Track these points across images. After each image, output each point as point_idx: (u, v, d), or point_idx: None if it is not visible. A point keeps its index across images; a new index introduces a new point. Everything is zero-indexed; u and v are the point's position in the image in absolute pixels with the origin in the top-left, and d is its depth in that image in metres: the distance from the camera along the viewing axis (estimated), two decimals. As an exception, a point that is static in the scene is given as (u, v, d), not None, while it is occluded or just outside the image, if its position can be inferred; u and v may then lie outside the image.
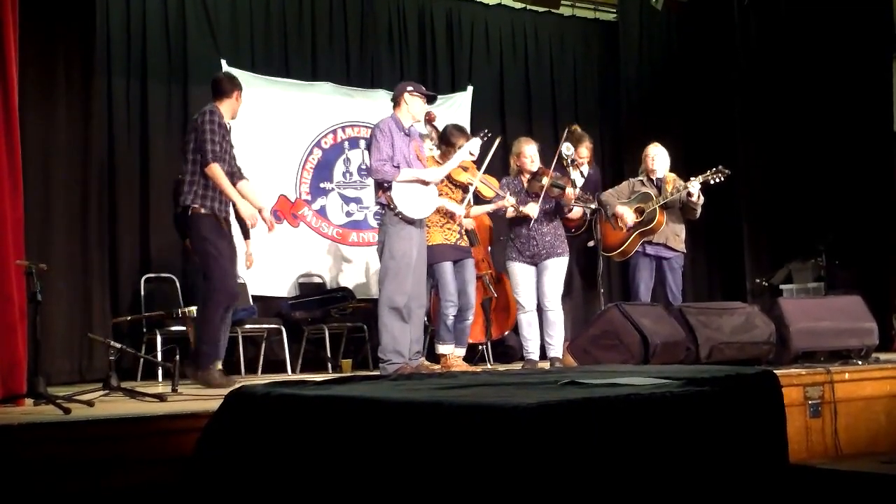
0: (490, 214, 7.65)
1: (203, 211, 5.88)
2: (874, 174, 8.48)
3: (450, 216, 6.91)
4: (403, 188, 6.30)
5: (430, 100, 6.65)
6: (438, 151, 7.06)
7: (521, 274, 7.08)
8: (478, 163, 6.99)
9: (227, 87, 6.16)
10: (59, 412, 4.08)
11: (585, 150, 7.89)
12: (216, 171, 5.84)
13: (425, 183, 6.40)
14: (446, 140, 7.00)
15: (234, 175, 6.10)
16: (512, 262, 7.13)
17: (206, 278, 5.93)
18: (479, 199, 7.23)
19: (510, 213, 7.07)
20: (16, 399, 4.68)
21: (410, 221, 6.32)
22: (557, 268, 7.06)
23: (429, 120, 7.13)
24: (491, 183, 7.15)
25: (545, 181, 6.97)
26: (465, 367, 6.93)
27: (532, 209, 6.99)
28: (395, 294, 6.27)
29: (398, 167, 6.29)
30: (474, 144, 6.73)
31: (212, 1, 8.64)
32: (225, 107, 6.12)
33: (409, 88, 6.50)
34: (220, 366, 6.11)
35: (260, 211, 6.13)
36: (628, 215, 7.34)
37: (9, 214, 4.83)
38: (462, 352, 7.14)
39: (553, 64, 10.46)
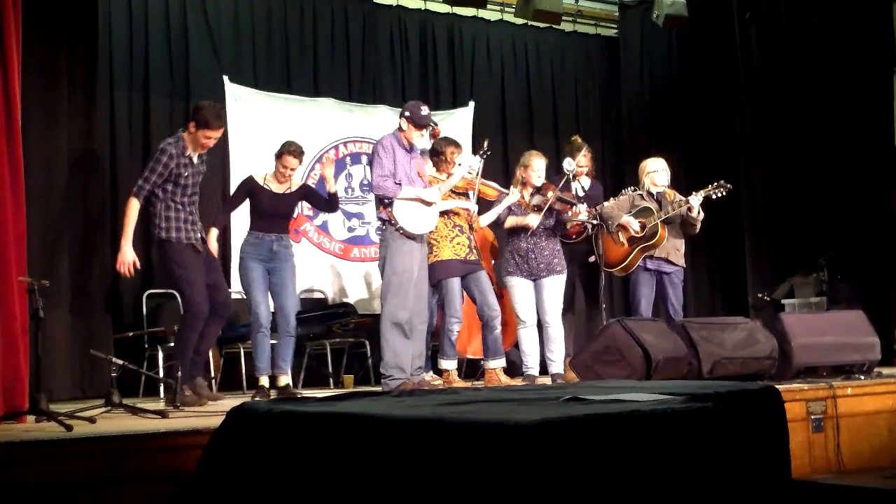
0: (494, 230, 7.65)
1: (164, 236, 5.99)
2: (876, 189, 8.47)
3: (459, 228, 6.92)
4: (404, 204, 6.32)
5: (424, 127, 6.57)
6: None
7: (519, 288, 7.08)
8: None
9: (190, 117, 6.15)
10: (61, 429, 4.08)
11: (584, 160, 7.87)
12: (131, 206, 5.98)
13: (426, 201, 6.42)
14: (435, 152, 7.01)
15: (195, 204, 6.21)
16: (510, 276, 7.12)
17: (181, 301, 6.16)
18: (482, 206, 7.22)
19: (508, 223, 7.05)
20: (18, 416, 4.68)
21: (411, 237, 6.34)
22: (556, 285, 7.07)
23: (434, 136, 7.17)
24: (490, 184, 7.17)
25: (550, 195, 7.00)
26: (508, 381, 6.93)
27: (533, 220, 7.00)
28: (398, 309, 6.29)
29: (399, 184, 6.31)
30: (474, 161, 6.76)
31: (214, 17, 8.67)
32: (187, 138, 6.09)
33: (407, 115, 6.51)
34: (202, 381, 6.23)
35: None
36: (633, 223, 7.32)
37: (11, 230, 4.84)
38: (501, 363, 7.07)
39: (554, 79, 10.49)
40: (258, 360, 6.67)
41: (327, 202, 7.09)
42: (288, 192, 6.86)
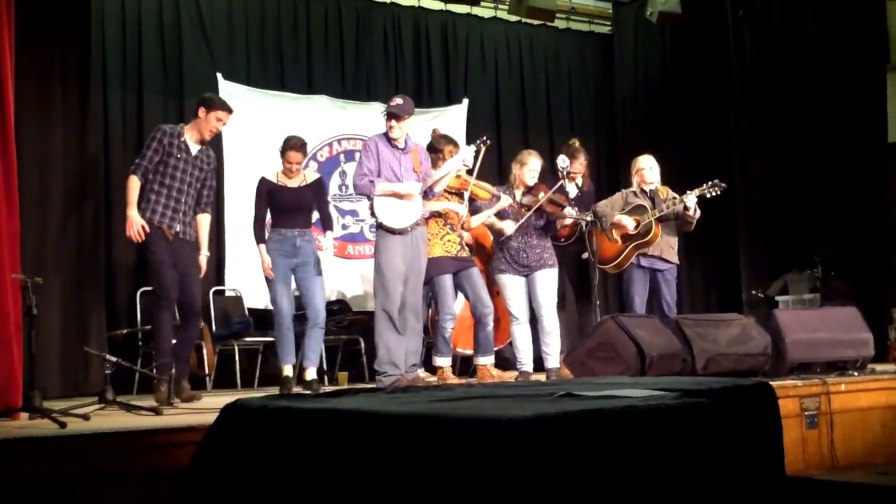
0: (489, 227, 7.64)
1: (146, 216, 6.05)
2: (869, 185, 8.50)
3: (450, 226, 6.94)
4: (383, 200, 6.38)
5: (393, 116, 6.46)
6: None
7: (511, 285, 7.07)
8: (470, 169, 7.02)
9: (197, 105, 6.29)
10: (55, 426, 4.08)
11: (579, 166, 7.91)
12: (130, 181, 6.07)
13: (401, 195, 6.42)
14: (433, 149, 7.04)
15: (198, 204, 6.34)
16: (502, 273, 7.10)
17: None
18: (475, 208, 7.23)
19: (490, 221, 7.05)
20: (11, 413, 4.68)
21: (393, 231, 6.36)
22: (548, 278, 7.06)
23: (434, 136, 7.20)
24: (484, 185, 7.16)
25: (540, 196, 6.98)
26: (500, 375, 7.01)
27: (509, 227, 6.99)
28: (387, 304, 6.34)
29: (373, 182, 6.35)
30: (468, 153, 6.71)
31: (208, 14, 8.67)
32: (192, 127, 6.23)
33: (382, 111, 6.58)
34: (185, 383, 6.22)
35: (199, 250, 6.38)
36: (628, 222, 7.32)
37: (4, 228, 4.83)
38: (490, 359, 7.13)
39: (548, 77, 10.50)
40: (282, 352, 6.74)
41: (326, 213, 7.17)
42: (303, 184, 6.89)
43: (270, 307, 7.06)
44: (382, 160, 6.41)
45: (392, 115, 6.45)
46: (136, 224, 5.97)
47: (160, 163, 6.06)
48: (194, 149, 6.20)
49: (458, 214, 6.97)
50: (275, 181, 6.86)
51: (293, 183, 6.86)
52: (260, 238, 6.83)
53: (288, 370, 6.71)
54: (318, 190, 7.10)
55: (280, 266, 6.74)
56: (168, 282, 6.06)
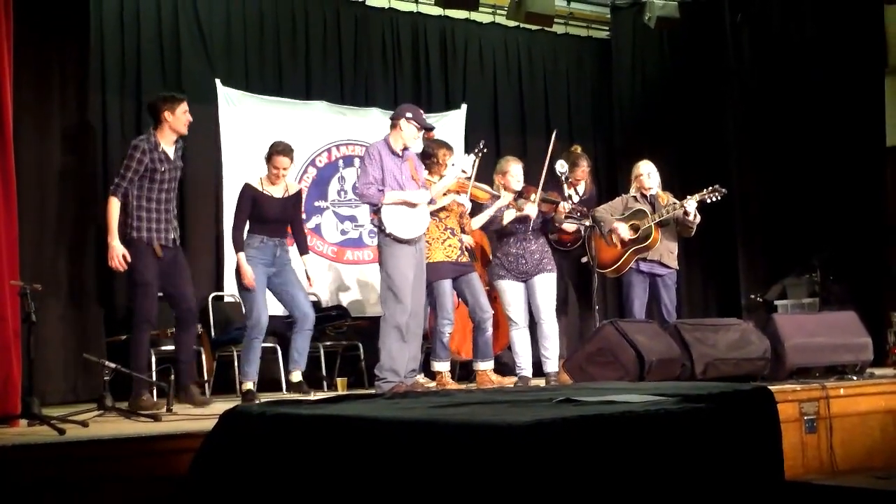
0: (486, 232, 7.65)
1: (135, 236, 6.02)
2: (868, 189, 8.50)
3: (451, 230, 6.95)
4: (392, 209, 6.36)
5: (428, 129, 6.61)
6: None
7: (510, 291, 7.06)
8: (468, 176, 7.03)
9: (158, 108, 6.15)
10: (54, 433, 4.08)
11: (581, 173, 7.92)
12: (111, 205, 6.02)
13: (412, 204, 6.42)
14: (427, 154, 7.10)
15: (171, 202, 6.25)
16: (500, 279, 7.10)
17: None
18: (474, 210, 7.24)
19: (507, 218, 7.03)
20: (10, 420, 4.67)
21: (402, 241, 6.35)
22: (547, 283, 7.06)
23: (426, 137, 7.20)
24: (483, 186, 7.18)
25: (533, 198, 6.98)
26: (499, 381, 7.04)
27: (531, 209, 6.97)
28: (397, 313, 6.32)
29: (382, 190, 6.34)
30: (466, 162, 6.74)
31: (206, 20, 8.65)
32: (163, 131, 6.13)
33: (409, 115, 6.50)
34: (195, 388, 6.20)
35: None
36: (623, 231, 7.34)
37: (3, 234, 4.83)
38: (490, 365, 7.16)
39: (547, 81, 10.49)
40: (247, 366, 6.68)
41: (302, 231, 7.14)
42: (286, 195, 6.86)
43: (269, 312, 7.04)
44: (386, 168, 6.41)
45: (429, 129, 6.50)
46: (118, 254, 5.94)
47: (144, 178, 6.01)
48: (171, 152, 6.16)
49: (461, 205, 7.01)
50: (260, 189, 6.79)
51: (278, 192, 6.82)
52: (239, 246, 6.72)
53: (249, 385, 6.62)
54: (297, 203, 7.07)
55: (260, 275, 6.67)
56: (150, 305, 6.05)
